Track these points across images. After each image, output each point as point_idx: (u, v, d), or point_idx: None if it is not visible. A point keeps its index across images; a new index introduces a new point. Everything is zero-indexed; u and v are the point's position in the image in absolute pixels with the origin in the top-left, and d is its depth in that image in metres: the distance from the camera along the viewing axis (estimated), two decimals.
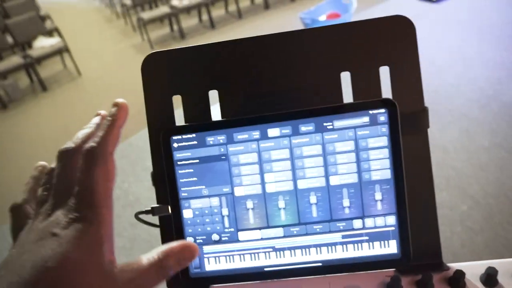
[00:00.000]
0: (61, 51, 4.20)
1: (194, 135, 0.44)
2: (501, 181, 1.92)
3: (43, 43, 4.14)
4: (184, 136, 0.44)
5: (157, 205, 0.46)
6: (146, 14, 4.58)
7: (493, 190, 1.88)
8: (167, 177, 0.45)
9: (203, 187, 0.45)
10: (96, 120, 0.31)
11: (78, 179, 0.27)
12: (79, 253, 0.24)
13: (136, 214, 0.48)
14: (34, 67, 4.02)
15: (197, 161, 0.44)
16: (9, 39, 4.22)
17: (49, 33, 4.52)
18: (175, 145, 0.45)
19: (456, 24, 3.68)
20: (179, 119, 0.46)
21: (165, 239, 0.48)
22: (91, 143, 0.27)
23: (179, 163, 0.45)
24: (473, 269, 0.43)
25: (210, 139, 0.44)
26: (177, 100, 0.46)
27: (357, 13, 3.64)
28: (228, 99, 0.46)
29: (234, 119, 0.44)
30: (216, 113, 0.46)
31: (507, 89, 2.61)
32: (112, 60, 4.60)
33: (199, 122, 0.45)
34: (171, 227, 0.46)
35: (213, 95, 0.46)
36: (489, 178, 1.95)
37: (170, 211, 0.46)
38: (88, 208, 0.26)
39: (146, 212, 0.46)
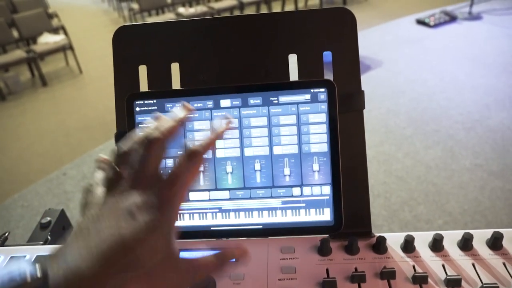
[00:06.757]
0: (65, 48, 4.27)
1: (154, 101, 0.49)
2: (479, 200, 1.97)
3: (47, 39, 4.22)
4: (146, 102, 0.49)
5: None
6: (152, 19, 4.68)
7: (470, 208, 1.92)
8: None
9: None
10: (180, 114, 0.32)
11: (172, 172, 0.29)
12: (153, 236, 0.27)
13: None
14: (37, 62, 4.09)
15: None
16: (15, 34, 4.30)
17: (55, 30, 4.60)
18: (138, 109, 0.50)
19: (451, 49, 3.78)
20: (144, 88, 0.51)
21: None
22: (199, 147, 0.30)
23: (140, 125, 0.50)
24: (395, 238, 0.47)
25: (168, 106, 0.49)
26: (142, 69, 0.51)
27: None
28: (188, 71, 0.51)
29: (191, 89, 0.49)
30: (176, 83, 0.51)
31: (493, 115, 2.68)
32: None
33: (160, 90, 0.50)
34: None
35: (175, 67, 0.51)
36: (468, 196, 2.00)
37: None
38: (168, 200, 0.28)
39: None
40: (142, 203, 0.28)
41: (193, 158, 0.30)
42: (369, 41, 4.12)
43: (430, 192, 2.03)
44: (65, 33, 4.56)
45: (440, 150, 2.38)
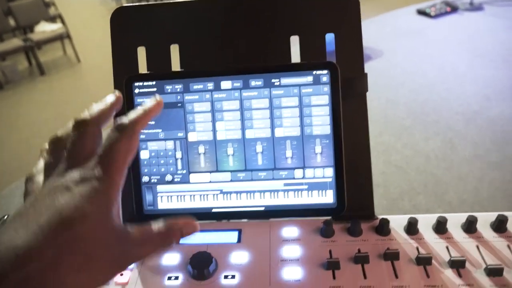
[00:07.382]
0: (62, 37, 4.24)
1: (154, 82, 0.48)
2: (478, 190, 1.97)
3: (44, 28, 4.18)
4: (145, 83, 0.48)
5: None
6: None
7: (469, 198, 1.92)
8: None
9: (160, 130, 0.49)
10: (111, 98, 0.34)
11: (103, 145, 0.30)
12: (91, 207, 0.27)
13: None
14: (34, 50, 4.06)
15: None
16: (12, 22, 4.26)
17: (52, 19, 4.56)
18: (137, 91, 0.49)
19: (452, 40, 3.76)
20: (143, 70, 0.50)
21: None
22: (124, 119, 0.31)
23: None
24: (399, 220, 0.47)
25: (168, 87, 0.48)
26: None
27: None
28: (187, 53, 0.50)
29: (191, 71, 0.48)
30: (176, 65, 0.50)
31: (493, 106, 2.67)
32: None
33: (160, 72, 0.49)
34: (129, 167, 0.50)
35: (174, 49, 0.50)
36: (467, 187, 2.00)
37: None
38: (104, 171, 0.28)
39: None
40: (79, 178, 0.28)
41: (120, 129, 0.30)
42: (370, 31, 4.08)
43: (430, 182, 2.03)
44: (62, 22, 4.52)
45: (440, 141, 2.37)
